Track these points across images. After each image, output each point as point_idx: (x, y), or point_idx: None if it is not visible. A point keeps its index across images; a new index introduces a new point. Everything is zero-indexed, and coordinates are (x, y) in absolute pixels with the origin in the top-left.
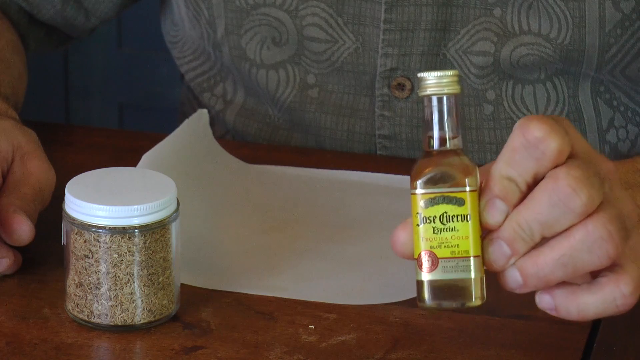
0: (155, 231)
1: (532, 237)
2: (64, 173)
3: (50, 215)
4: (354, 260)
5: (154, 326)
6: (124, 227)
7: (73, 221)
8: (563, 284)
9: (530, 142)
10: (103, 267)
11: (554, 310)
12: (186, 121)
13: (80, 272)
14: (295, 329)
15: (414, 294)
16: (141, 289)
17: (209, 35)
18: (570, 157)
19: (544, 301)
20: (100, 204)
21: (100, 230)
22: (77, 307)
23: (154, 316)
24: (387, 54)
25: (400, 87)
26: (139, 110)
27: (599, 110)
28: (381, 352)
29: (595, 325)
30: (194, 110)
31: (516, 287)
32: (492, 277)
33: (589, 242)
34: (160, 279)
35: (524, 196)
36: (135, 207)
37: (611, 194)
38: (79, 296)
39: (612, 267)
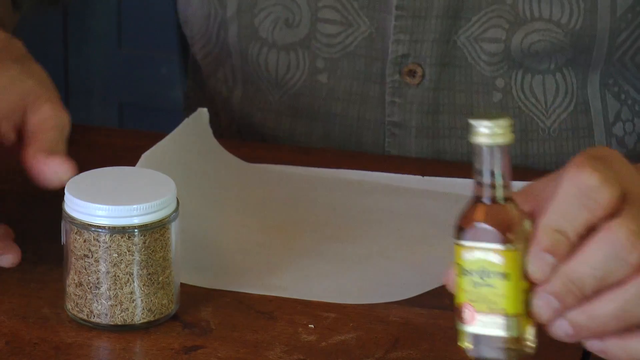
0: (155, 231)
1: (583, 291)
2: None
3: (50, 215)
4: (354, 260)
5: (153, 326)
6: (123, 227)
7: (73, 221)
8: None
9: (583, 192)
10: (103, 267)
11: (603, 353)
12: (186, 120)
13: (79, 271)
14: (295, 329)
15: (414, 294)
16: (141, 288)
17: (217, 13)
18: (624, 202)
19: (594, 345)
20: (100, 203)
21: (100, 230)
22: (77, 307)
23: (154, 316)
24: (399, 40)
25: (412, 73)
26: (139, 110)
27: (607, 103)
28: (381, 351)
29: None
30: (199, 102)
31: (566, 337)
32: None
33: None
34: (160, 279)
35: (573, 247)
36: (135, 206)
37: None
38: (79, 296)
39: None
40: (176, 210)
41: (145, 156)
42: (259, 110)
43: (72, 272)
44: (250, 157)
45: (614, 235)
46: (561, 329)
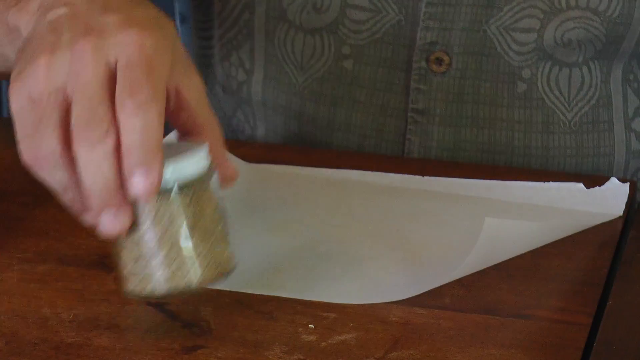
0: (197, 187)
1: None
2: None
3: (51, 215)
4: (354, 260)
5: (219, 283)
6: (165, 189)
7: None
8: None
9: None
10: (153, 235)
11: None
12: None
13: (132, 248)
14: (295, 329)
15: (413, 294)
16: (197, 247)
17: None
18: None
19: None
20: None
21: None
22: (139, 285)
23: (217, 272)
24: (427, 27)
25: (439, 61)
26: None
27: (627, 97)
28: (381, 351)
29: (595, 325)
30: None
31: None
32: (494, 278)
33: None
34: (213, 236)
35: None
36: (171, 166)
37: None
38: (138, 273)
39: None
40: (211, 165)
41: None
42: (282, 92)
43: (125, 251)
44: (251, 157)
45: None
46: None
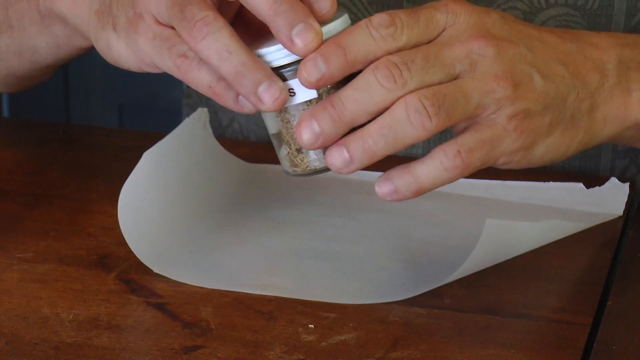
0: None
1: (342, 116)
2: (64, 172)
3: (51, 215)
4: (354, 260)
5: None
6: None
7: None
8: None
9: (373, 24)
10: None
11: (395, 193)
12: (186, 120)
13: (292, 137)
14: (295, 329)
15: (413, 294)
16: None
17: None
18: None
19: (384, 187)
20: (272, 44)
21: (287, 70)
22: (302, 163)
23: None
24: None
25: None
26: (139, 110)
27: None
28: (381, 351)
29: (595, 325)
30: (199, 101)
31: (343, 164)
32: (494, 278)
33: (405, 113)
34: None
35: (349, 69)
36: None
37: (468, 72)
38: (301, 158)
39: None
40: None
41: (146, 154)
42: None
43: (285, 143)
44: (250, 157)
45: (378, 64)
46: (338, 154)
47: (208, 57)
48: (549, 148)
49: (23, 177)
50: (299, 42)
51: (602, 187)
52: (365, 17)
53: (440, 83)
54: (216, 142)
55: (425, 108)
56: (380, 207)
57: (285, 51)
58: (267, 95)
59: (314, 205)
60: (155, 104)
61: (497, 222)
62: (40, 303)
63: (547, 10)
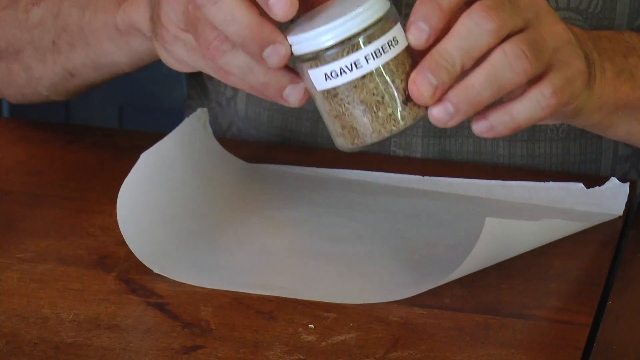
0: (383, 29)
1: (454, 66)
2: (64, 172)
3: (50, 215)
4: (354, 260)
5: (420, 119)
6: (350, 37)
7: (307, 59)
8: (494, 104)
9: None
10: (356, 93)
11: (491, 130)
12: (186, 120)
13: (342, 113)
14: (295, 329)
15: (413, 294)
16: (397, 90)
17: None
18: None
19: (480, 126)
20: (324, 24)
21: (329, 51)
22: (350, 137)
23: (418, 111)
24: None
25: None
26: (139, 110)
27: None
28: (381, 351)
29: (595, 325)
30: (199, 102)
31: (448, 117)
32: (494, 278)
33: (506, 60)
34: (406, 70)
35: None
36: (354, 12)
37: (535, 20)
38: (351, 132)
39: (536, 80)
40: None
41: (144, 155)
42: (264, 109)
43: (335, 121)
44: (250, 157)
45: (471, 10)
46: (443, 108)
47: (231, 72)
48: (594, 93)
49: (23, 177)
50: None
51: (602, 187)
52: None
53: (521, 29)
54: (216, 142)
55: (525, 53)
56: (380, 207)
57: (352, 22)
58: (294, 94)
59: (314, 205)
60: (156, 104)
61: (497, 221)
62: (40, 303)
63: None
